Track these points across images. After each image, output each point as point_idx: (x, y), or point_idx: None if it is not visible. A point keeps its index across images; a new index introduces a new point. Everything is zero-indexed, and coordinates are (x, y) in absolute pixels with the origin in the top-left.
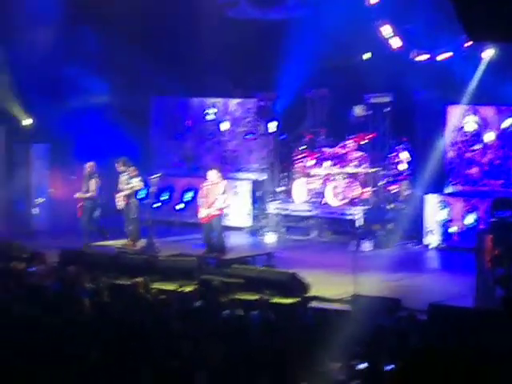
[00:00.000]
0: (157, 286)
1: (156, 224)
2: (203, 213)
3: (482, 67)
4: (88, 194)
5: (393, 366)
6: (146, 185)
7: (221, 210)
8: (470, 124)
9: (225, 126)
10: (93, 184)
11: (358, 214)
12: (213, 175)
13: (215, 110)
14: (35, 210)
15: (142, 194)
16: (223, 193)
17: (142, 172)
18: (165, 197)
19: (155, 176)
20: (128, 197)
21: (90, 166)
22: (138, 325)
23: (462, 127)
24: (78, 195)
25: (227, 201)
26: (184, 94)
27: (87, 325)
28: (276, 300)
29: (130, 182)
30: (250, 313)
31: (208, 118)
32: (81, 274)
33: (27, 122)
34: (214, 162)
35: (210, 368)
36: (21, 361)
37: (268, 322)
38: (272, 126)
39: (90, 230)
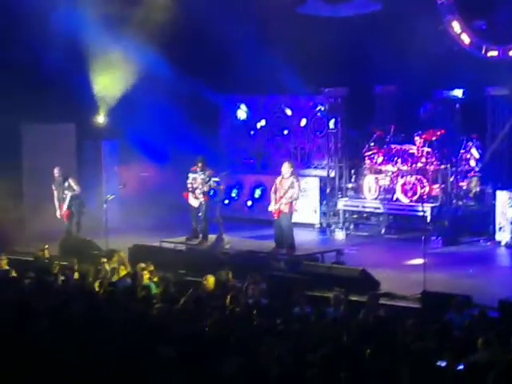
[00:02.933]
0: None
1: (225, 221)
2: (272, 207)
3: None
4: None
5: (463, 366)
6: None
7: (290, 204)
8: None
9: (295, 122)
10: None
11: (427, 211)
12: (284, 168)
13: (285, 107)
14: (105, 207)
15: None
16: (291, 187)
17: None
18: (233, 194)
19: (223, 174)
20: (205, 195)
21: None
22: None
23: None
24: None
25: (295, 195)
26: (254, 92)
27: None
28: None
29: (207, 180)
30: (326, 309)
31: (277, 114)
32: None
33: (99, 119)
34: (283, 159)
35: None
36: None
37: (340, 318)
38: (340, 122)
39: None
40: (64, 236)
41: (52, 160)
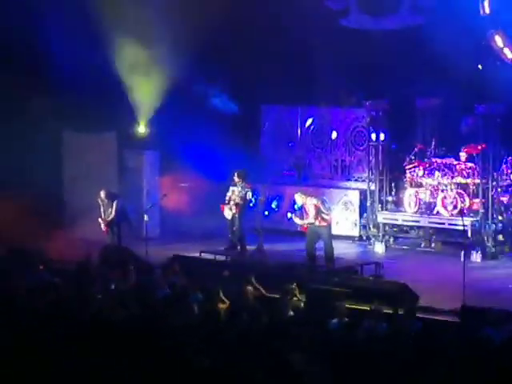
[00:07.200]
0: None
1: (265, 232)
2: (301, 222)
3: None
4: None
5: None
6: (256, 193)
7: (326, 221)
8: None
9: (334, 134)
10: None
11: (467, 225)
12: (298, 198)
13: (325, 119)
14: (146, 217)
15: (251, 203)
16: (309, 212)
17: (253, 180)
18: (273, 205)
19: (263, 186)
20: (237, 207)
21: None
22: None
23: None
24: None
25: (311, 219)
26: (295, 103)
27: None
28: (385, 310)
29: (243, 193)
30: (363, 322)
31: (317, 126)
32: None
33: (140, 129)
34: (324, 171)
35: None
36: None
37: (378, 331)
38: (382, 136)
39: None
40: (105, 245)
41: (93, 168)
